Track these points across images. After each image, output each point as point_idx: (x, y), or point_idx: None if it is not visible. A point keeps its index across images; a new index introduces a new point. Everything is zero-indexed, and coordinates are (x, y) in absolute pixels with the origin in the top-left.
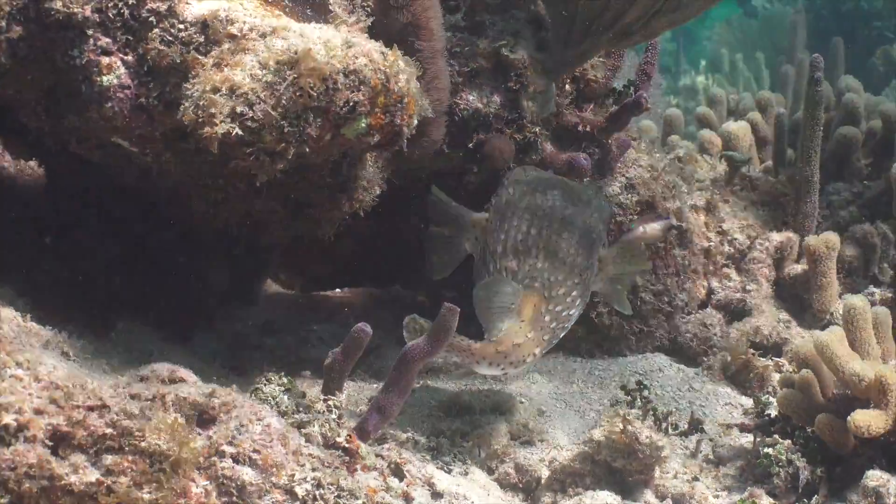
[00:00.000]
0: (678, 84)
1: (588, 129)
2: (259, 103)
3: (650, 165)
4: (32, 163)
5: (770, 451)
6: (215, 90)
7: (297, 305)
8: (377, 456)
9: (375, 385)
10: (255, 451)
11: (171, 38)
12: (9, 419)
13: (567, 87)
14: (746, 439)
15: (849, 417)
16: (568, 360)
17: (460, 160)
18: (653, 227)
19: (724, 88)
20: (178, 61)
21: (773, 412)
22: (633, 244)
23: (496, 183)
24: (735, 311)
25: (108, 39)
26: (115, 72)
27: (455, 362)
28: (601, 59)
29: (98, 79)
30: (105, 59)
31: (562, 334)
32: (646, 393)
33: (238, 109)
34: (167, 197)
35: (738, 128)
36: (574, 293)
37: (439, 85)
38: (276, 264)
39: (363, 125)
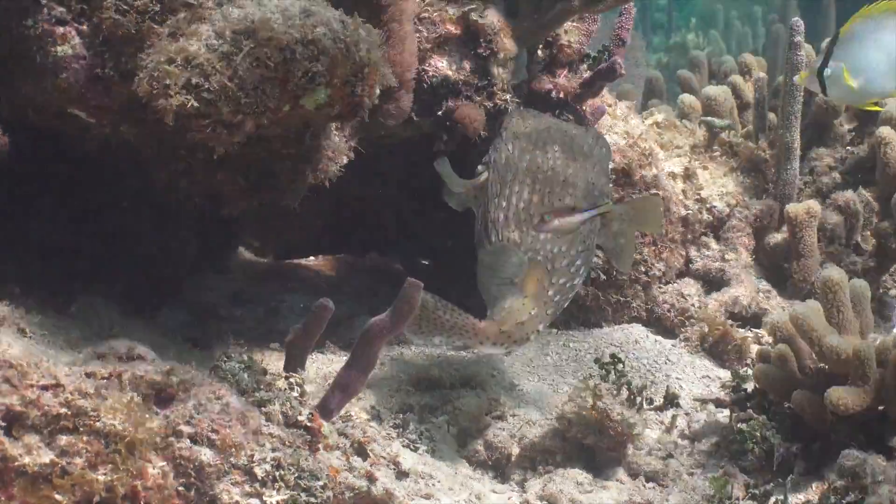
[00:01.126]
0: (669, 41)
1: (562, 95)
2: (215, 74)
3: (626, 132)
4: None
5: (745, 426)
6: (170, 61)
7: (269, 274)
8: (340, 434)
9: (345, 357)
10: (213, 430)
11: (126, 7)
12: None
13: (539, 52)
14: (723, 414)
15: (826, 394)
16: (544, 331)
17: (430, 128)
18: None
19: (719, 46)
20: (134, 31)
21: (750, 386)
22: (645, 203)
23: (467, 151)
24: (714, 281)
25: (62, 9)
26: (69, 42)
27: (457, 345)
28: (574, 24)
29: (53, 49)
30: (59, 29)
31: (565, 304)
32: (620, 366)
33: (193, 81)
34: (128, 168)
35: (719, 92)
36: (578, 262)
37: (407, 50)
38: (249, 232)
39: (323, 96)
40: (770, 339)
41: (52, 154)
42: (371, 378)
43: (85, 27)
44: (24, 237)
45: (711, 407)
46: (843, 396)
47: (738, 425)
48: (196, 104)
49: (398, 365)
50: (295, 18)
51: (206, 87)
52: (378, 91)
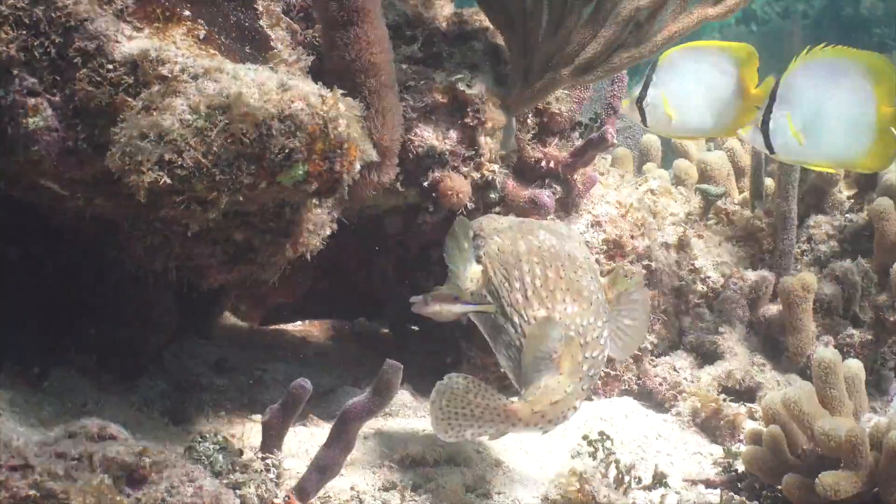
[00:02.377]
0: None
1: (552, 164)
2: (189, 150)
3: (618, 202)
4: None
5: None
6: (143, 136)
7: (254, 341)
8: None
9: (328, 429)
10: None
11: (99, 79)
12: None
13: (529, 120)
14: (713, 494)
15: (817, 479)
16: None
17: (415, 198)
18: (447, 309)
19: None
20: (106, 103)
21: (742, 466)
22: (618, 270)
23: (450, 223)
24: (707, 354)
25: (34, 79)
26: (41, 113)
27: (490, 433)
28: (566, 92)
29: (24, 121)
30: (31, 101)
31: (597, 378)
32: (608, 444)
33: (167, 157)
34: (104, 238)
35: (715, 157)
36: (604, 333)
37: (390, 123)
38: (235, 296)
39: (300, 172)
40: (762, 416)
41: (26, 223)
42: (354, 453)
43: (57, 98)
44: None
45: (701, 488)
46: (835, 481)
47: None
48: (169, 181)
49: (381, 440)
50: (272, 93)
51: (180, 163)
52: (358, 167)
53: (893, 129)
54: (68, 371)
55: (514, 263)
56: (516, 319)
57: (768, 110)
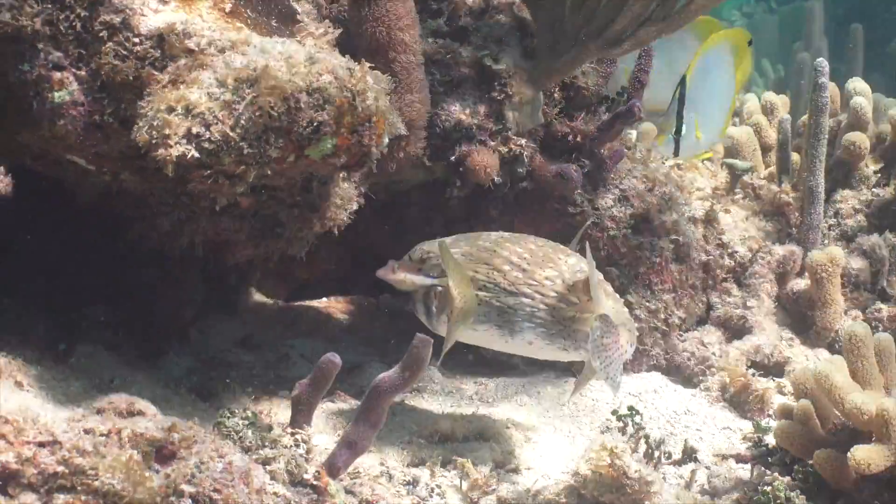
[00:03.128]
0: None
1: (579, 139)
2: (216, 123)
3: (645, 176)
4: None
5: (768, 488)
6: (170, 109)
7: (280, 317)
8: (348, 493)
9: (356, 405)
10: (215, 490)
11: (125, 53)
12: None
13: (556, 95)
14: (744, 469)
15: (849, 453)
16: (559, 379)
17: (442, 173)
18: (410, 279)
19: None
20: (133, 77)
21: (772, 441)
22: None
23: (480, 197)
24: (735, 329)
25: (59, 53)
26: (67, 88)
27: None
28: (593, 66)
29: (50, 95)
30: (57, 75)
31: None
32: (637, 419)
33: (194, 130)
34: (131, 214)
35: (742, 133)
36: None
37: (416, 98)
38: (261, 272)
39: (329, 146)
40: (792, 389)
41: (54, 199)
42: (383, 430)
43: (83, 72)
44: (25, 283)
45: (732, 462)
46: (867, 455)
47: (761, 487)
48: (197, 154)
49: (410, 416)
50: (300, 66)
51: (208, 136)
52: (386, 140)
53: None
54: (95, 347)
55: (488, 257)
56: (527, 290)
57: (679, 116)
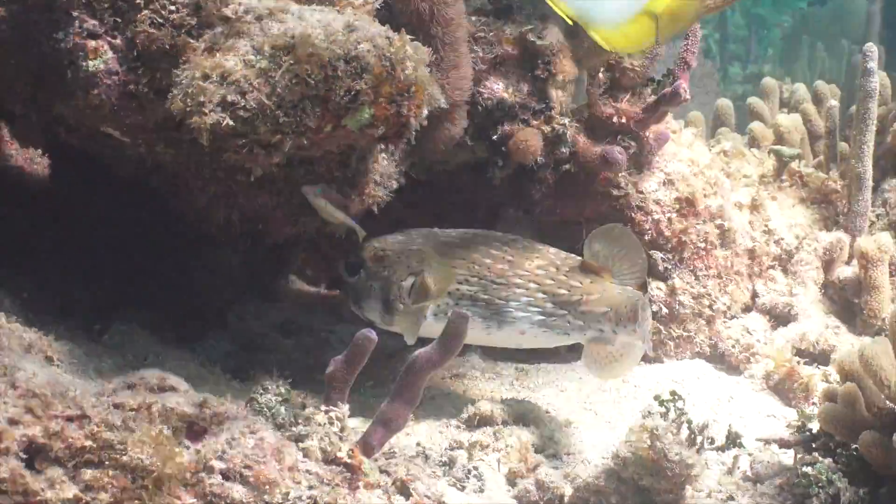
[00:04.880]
0: (746, 72)
1: (624, 120)
2: (252, 91)
3: (691, 160)
4: (38, 151)
5: (810, 470)
6: (205, 77)
7: (320, 303)
8: (382, 472)
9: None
10: (246, 466)
11: (161, 21)
12: None
13: (601, 75)
14: (787, 455)
15: (895, 436)
16: None
17: (485, 152)
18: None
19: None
20: (169, 45)
21: (816, 426)
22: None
23: (522, 178)
24: (781, 316)
25: (94, 21)
26: (102, 56)
27: None
28: None
29: (84, 63)
30: (91, 43)
31: None
32: (680, 404)
33: (229, 98)
34: (166, 189)
35: (790, 120)
36: None
37: (460, 74)
38: (301, 259)
39: (367, 116)
40: (837, 378)
41: (90, 176)
42: (421, 413)
43: (118, 41)
44: (62, 261)
45: (775, 447)
46: None
47: (803, 468)
48: (232, 123)
49: (449, 400)
50: (338, 34)
51: (243, 104)
52: (426, 111)
53: (655, 18)
54: (130, 326)
55: (460, 252)
56: (518, 280)
57: None
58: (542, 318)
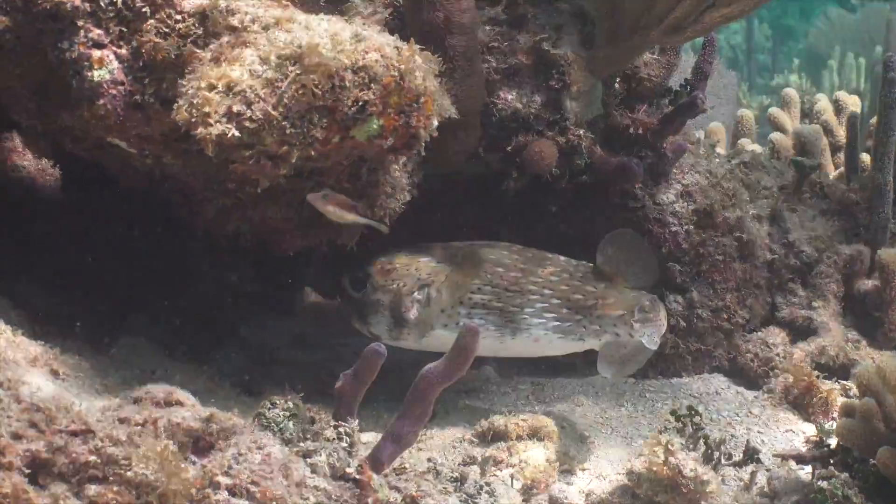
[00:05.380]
0: (771, 82)
1: (640, 131)
2: (258, 102)
3: (709, 171)
4: (49, 162)
5: (825, 485)
6: (211, 87)
7: (335, 316)
8: (391, 488)
9: None
10: (252, 482)
11: (167, 30)
12: None
13: (617, 85)
14: (805, 471)
15: None
16: (618, 380)
17: (499, 164)
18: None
19: (822, 87)
20: (175, 55)
21: (835, 442)
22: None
23: (538, 190)
24: (800, 330)
25: (99, 31)
26: (107, 66)
27: None
28: (655, 57)
29: (89, 74)
30: (97, 53)
31: None
32: (697, 419)
33: (235, 109)
34: (175, 201)
35: (810, 131)
36: None
37: (473, 83)
38: (316, 271)
39: (375, 127)
40: (857, 392)
41: (99, 186)
42: (435, 428)
43: (124, 51)
44: (71, 273)
45: (792, 463)
46: None
47: (819, 483)
48: (238, 134)
49: (463, 415)
50: (345, 44)
51: (249, 115)
52: (436, 122)
53: None
54: (138, 339)
55: (474, 268)
56: (533, 287)
57: None
58: (558, 323)
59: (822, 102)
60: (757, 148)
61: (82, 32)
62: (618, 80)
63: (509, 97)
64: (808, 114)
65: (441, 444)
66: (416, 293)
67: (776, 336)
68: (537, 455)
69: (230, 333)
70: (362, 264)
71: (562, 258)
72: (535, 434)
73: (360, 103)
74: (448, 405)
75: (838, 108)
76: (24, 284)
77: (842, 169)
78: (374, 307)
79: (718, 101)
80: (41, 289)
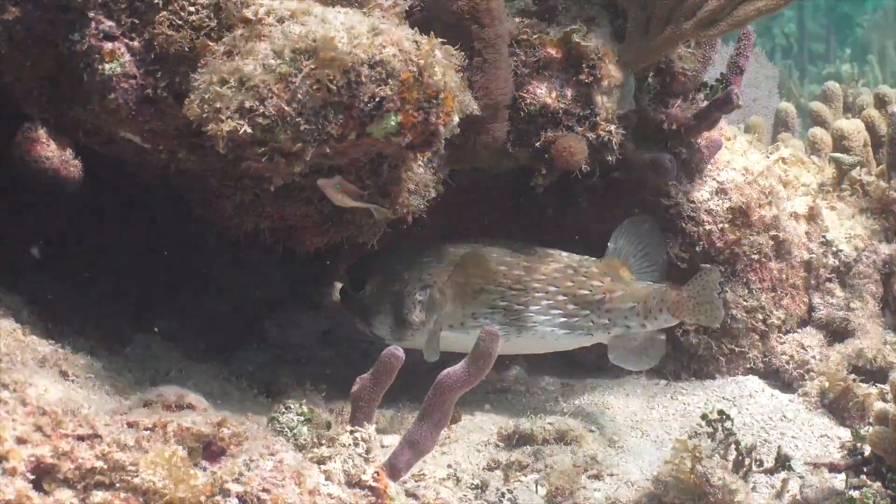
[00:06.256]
0: (824, 72)
1: (674, 127)
2: (271, 97)
3: (745, 168)
4: (71, 153)
5: (856, 494)
6: (223, 82)
7: None
8: (409, 496)
9: None
10: (263, 490)
11: (180, 22)
12: None
13: (650, 80)
14: (838, 479)
15: None
16: (650, 381)
17: (527, 159)
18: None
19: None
20: (188, 48)
21: (869, 450)
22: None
23: (567, 187)
24: (837, 331)
25: (111, 22)
26: (118, 59)
27: None
28: (690, 50)
29: (100, 67)
30: (108, 45)
31: None
32: (728, 424)
33: (247, 104)
34: (191, 197)
35: (851, 126)
36: None
37: (501, 76)
38: (342, 266)
39: (393, 124)
40: (892, 395)
41: (119, 179)
42: (460, 430)
43: (136, 43)
44: (89, 268)
45: (825, 472)
46: None
47: (850, 493)
48: (250, 130)
49: (490, 417)
50: (362, 37)
51: (262, 111)
52: (456, 119)
53: None
54: (153, 338)
55: (476, 268)
56: (537, 285)
57: None
58: (564, 319)
59: (865, 96)
60: (797, 142)
61: (93, 24)
62: (651, 73)
63: (538, 91)
64: (850, 108)
65: (465, 447)
66: (417, 294)
67: (812, 338)
68: (564, 460)
69: (253, 329)
70: (363, 264)
71: (564, 254)
72: (562, 438)
73: (377, 99)
74: (474, 406)
75: (882, 102)
76: (39, 279)
77: (883, 166)
78: (376, 308)
79: (759, 94)
80: (57, 283)
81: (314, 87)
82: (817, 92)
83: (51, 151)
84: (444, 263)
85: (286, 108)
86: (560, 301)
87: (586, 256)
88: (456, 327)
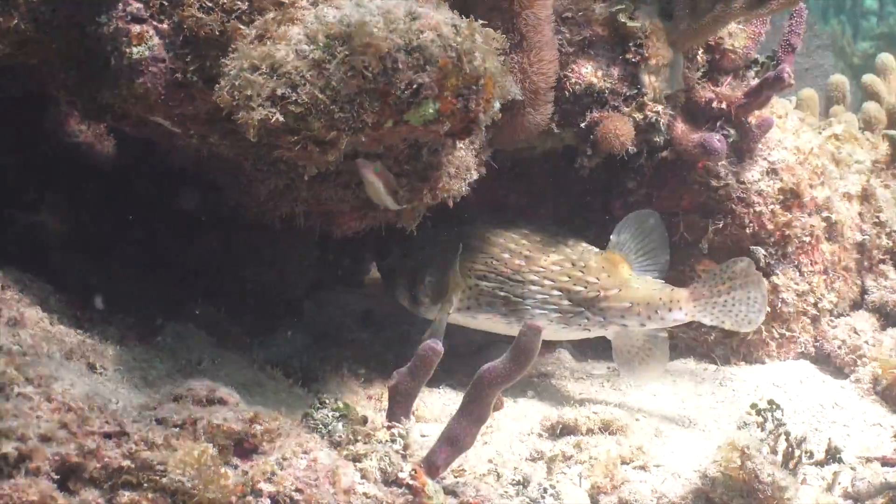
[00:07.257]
0: (877, 29)
1: (724, 106)
2: (304, 85)
3: (796, 147)
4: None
5: None
6: (254, 68)
7: None
8: (448, 493)
9: None
10: (297, 489)
11: (211, 5)
12: (9, 448)
13: (699, 58)
14: (891, 472)
15: None
16: (699, 366)
17: (572, 139)
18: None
19: None
20: (218, 32)
21: None
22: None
23: (614, 167)
24: (891, 315)
25: (139, 4)
26: (147, 42)
27: None
28: (740, 27)
29: (128, 50)
30: (136, 28)
31: None
32: (778, 413)
33: (279, 92)
34: (224, 181)
35: None
36: None
37: (544, 57)
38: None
39: (430, 111)
40: None
41: (154, 158)
42: (500, 420)
43: (165, 26)
44: (121, 252)
45: (877, 465)
46: None
47: None
48: (282, 118)
49: (534, 405)
50: (398, 22)
51: (294, 99)
52: (497, 105)
53: None
54: (185, 325)
55: (485, 250)
56: (534, 277)
57: None
58: (559, 315)
59: None
60: (850, 116)
61: (121, 6)
62: (700, 51)
63: (584, 70)
64: None
65: (508, 437)
66: (427, 276)
67: (865, 322)
68: (609, 451)
69: (292, 313)
70: (388, 243)
71: (569, 243)
72: (607, 428)
73: (415, 86)
74: (517, 392)
75: None
76: (68, 258)
77: None
78: (395, 280)
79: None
80: (89, 265)
81: (349, 74)
82: (871, 51)
83: (84, 125)
84: (456, 247)
85: (320, 95)
86: (555, 297)
87: (589, 247)
88: (463, 311)
